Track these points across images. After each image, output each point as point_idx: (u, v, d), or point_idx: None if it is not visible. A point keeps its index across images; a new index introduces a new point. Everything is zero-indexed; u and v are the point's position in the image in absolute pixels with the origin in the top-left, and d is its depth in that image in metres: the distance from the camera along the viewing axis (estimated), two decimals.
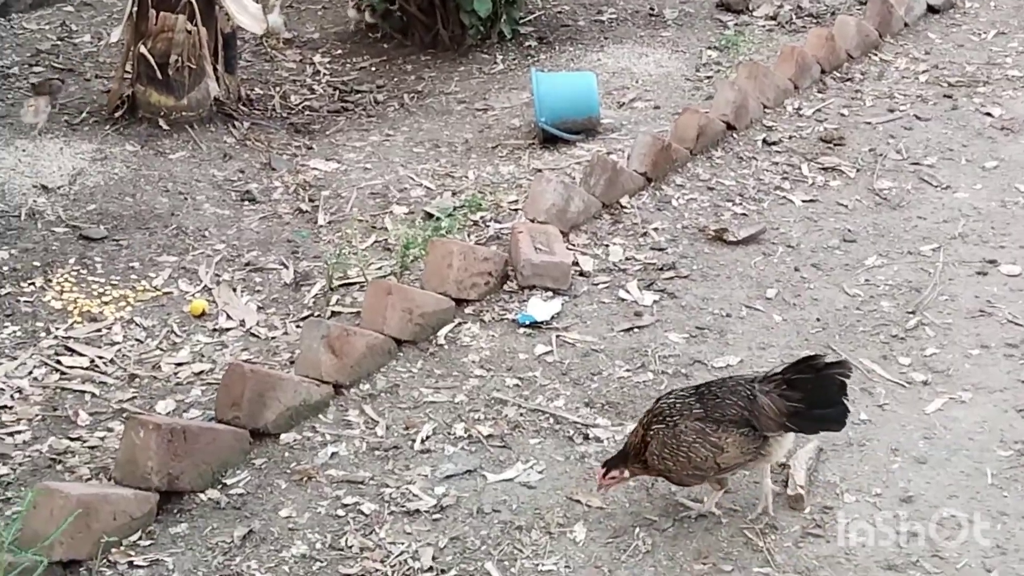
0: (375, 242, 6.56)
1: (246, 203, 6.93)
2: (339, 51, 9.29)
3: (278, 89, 8.50)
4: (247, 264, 6.32)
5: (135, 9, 7.44)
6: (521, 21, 9.50)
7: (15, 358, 5.45)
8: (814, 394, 4.35)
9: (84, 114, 7.68)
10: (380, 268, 6.25)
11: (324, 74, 8.88)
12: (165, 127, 7.53)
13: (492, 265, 5.95)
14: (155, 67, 7.39)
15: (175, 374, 5.44)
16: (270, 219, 6.79)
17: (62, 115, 7.70)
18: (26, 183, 6.82)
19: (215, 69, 7.62)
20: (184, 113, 7.55)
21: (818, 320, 5.78)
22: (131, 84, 7.61)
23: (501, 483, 4.75)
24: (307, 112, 8.26)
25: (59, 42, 8.98)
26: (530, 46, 9.31)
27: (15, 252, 6.21)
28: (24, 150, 7.12)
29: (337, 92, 8.60)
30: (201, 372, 5.45)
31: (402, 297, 5.56)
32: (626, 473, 4.43)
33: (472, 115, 8.18)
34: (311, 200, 7.00)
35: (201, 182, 7.07)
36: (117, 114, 7.59)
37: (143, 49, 7.40)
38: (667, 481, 4.55)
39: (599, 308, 5.90)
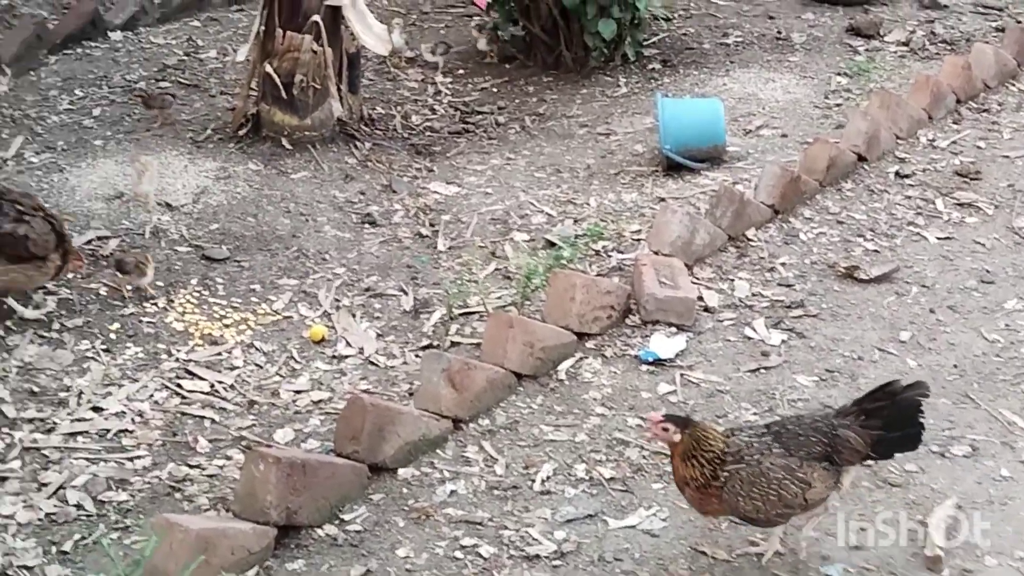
0: (495, 270, 6.47)
1: (366, 226, 6.89)
2: (461, 71, 9.23)
3: (399, 109, 8.46)
4: (367, 289, 6.26)
5: (262, 28, 7.46)
6: (645, 43, 9.36)
7: (136, 380, 5.45)
8: (893, 420, 4.27)
9: (208, 131, 7.71)
10: (500, 297, 6.16)
11: (445, 94, 8.82)
12: (288, 146, 7.53)
13: (615, 299, 5.82)
14: (280, 86, 7.40)
15: (294, 402, 5.40)
16: (390, 243, 6.73)
17: (187, 131, 7.74)
18: (151, 199, 6.85)
19: (339, 89, 7.61)
20: (307, 133, 7.54)
21: (955, 367, 5.55)
22: (256, 103, 7.62)
23: (623, 530, 4.61)
24: (428, 133, 8.20)
25: (185, 57, 9.05)
26: (654, 69, 9.16)
27: None
28: None
29: (458, 113, 8.54)
30: (320, 401, 5.40)
31: (523, 330, 5.46)
32: (677, 438, 4.24)
33: (594, 139, 8.06)
34: (431, 224, 6.93)
35: (322, 203, 7.05)
36: (241, 132, 7.61)
37: (269, 68, 7.40)
38: (742, 521, 4.35)
39: (724, 346, 5.73)
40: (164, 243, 6.50)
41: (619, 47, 9.09)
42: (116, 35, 9.28)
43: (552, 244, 6.66)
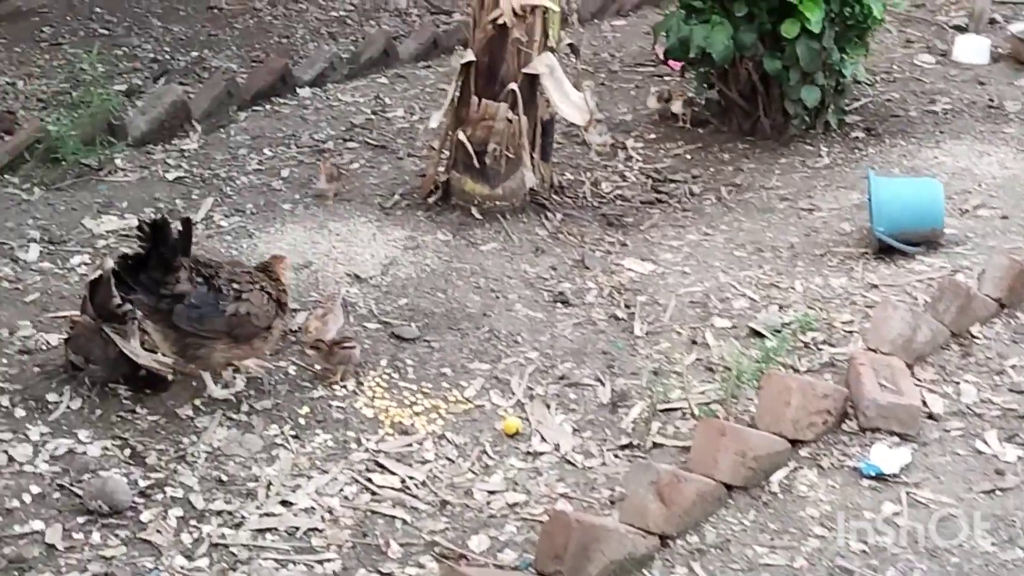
0: (696, 360, 6.10)
1: (559, 305, 6.59)
2: (652, 135, 8.90)
3: (589, 175, 8.16)
4: (561, 377, 5.95)
5: (457, 95, 7.24)
6: (847, 110, 8.90)
7: (326, 471, 5.22)
8: None
9: (396, 196, 7.53)
10: (704, 392, 5.78)
11: (636, 160, 8.50)
12: (477, 216, 7.29)
13: (831, 403, 5.39)
14: (472, 155, 7.17)
15: (488, 504, 5.10)
16: (584, 325, 6.41)
17: (375, 196, 7.57)
18: (339, 271, 6.67)
19: (531, 158, 7.34)
20: (498, 203, 7.30)
21: None
22: (447, 170, 7.41)
23: None
24: (619, 202, 7.88)
25: (372, 116, 8.92)
26: (857, 138, 8.70)
27: None
28: (338, 234, 6.98)
29: (650, 181, 8.20)
30: (515, 504, 5.09)
31: (736, 438, 5.07)
32: None
33: (796, 215, 7.63)
34: (627, 306, 6.59)
35: (513, 279, 6.78)
36: (431, 199, 7.41)
37: (462, 136, 7.18)
38: None
39: (953, 461, 5.25)
40: (353, 318, 6.29)
41: (821, 114, 8.66)
42: (304, 91, 9.21)
43: (757, 333, 6.26)
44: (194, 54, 10.10)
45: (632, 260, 7.09)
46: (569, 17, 7.76)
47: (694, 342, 6.27)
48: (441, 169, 7.44)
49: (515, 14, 6.95)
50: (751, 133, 8.77)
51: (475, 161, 7.19)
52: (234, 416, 5.50)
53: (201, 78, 9.54)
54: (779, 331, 6.20)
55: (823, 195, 7.84)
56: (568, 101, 7.24)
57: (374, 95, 9.28)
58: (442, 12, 11.47)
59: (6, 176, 7.57)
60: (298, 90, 9.19)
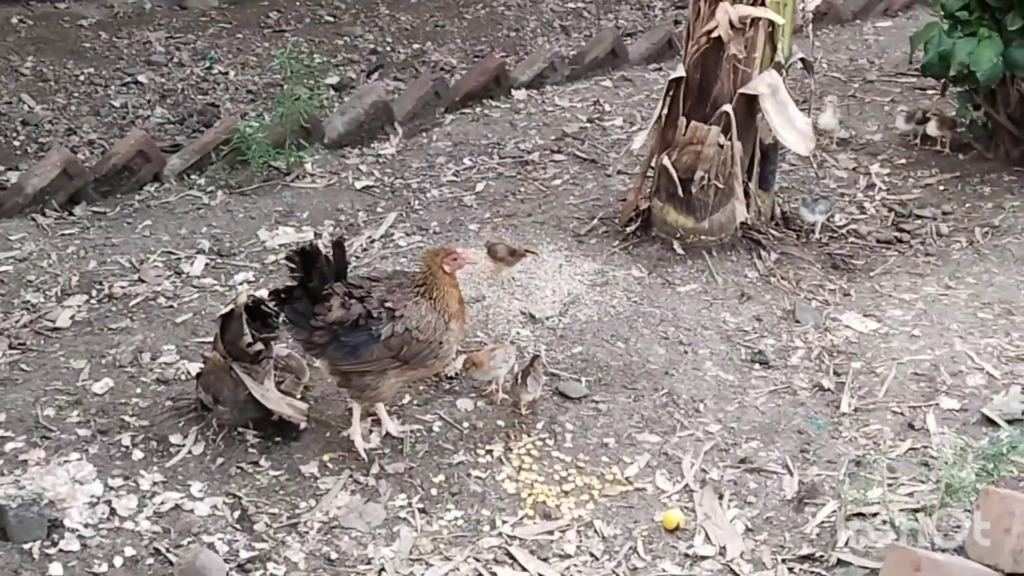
0: (909, 451, 5.13)
1: (756, 366, 5.72)
2: (902, 160, 7.82)
3: None
4: (742, 460, 5.10)
5: (664, 114, 6.43)
6: None
7: (449, 558, 4.58)
8: None
9: (594, 222, 6.79)
10: (911, 494, 4.82)
11: (879, 189, 7.46)
12: (679, 251, 6.48)
13: None
14: (677, 182, 6.35)
15: None
16: (781, 394, 5.53)
17: (571, 219, 6.86)
18: (514, 307, 6.01)
19: (746, 188, 6.46)
20: (702, 237, 6.46)
21: None
22: (648, 198, 6.61)
23: None
24: (852, 239, 6.89)
25: (588, 124, 8.19)
26: None
27: (482, 405, 5.37)
28: (520, 264, 6.27)
29: (892, 215, 7.16)
30: None
31: (934, 570, 4.12)
32: None
33: None
34: (836, 373, 5.66)
35: (708, 329, 5.94)
36: (629, 228, 6.63)
37: (666, 160, 6.37)
38: None
39: None
40: (517, 366, 5.61)
41: None
42: (520, 93, 8.58)
43: (990, 421, 5.23)
44: (416, 46, 9.63)
45: (852, 315, 6.12)
46: (803, 28, 6.79)
47: (911, 426, 5.29)
48: (643, 196, 6.64)
49: (732, 26, 6.08)
50: (1019, 163, 7.57)
51: (679, 190, 6.37)
52: (361, 479, 4.92)
53: (418, 72, 9.04)
54: (1019, 419, 5.16)
55: None
56: (791, 127, 6.30)
57: (594, 100, 8.54)
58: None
59: (192, 176, 7.26)
60: (513, 92, 8.56)
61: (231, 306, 5.06)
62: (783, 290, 6.31)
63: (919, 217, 7.14)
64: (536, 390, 5.24)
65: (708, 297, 6.20)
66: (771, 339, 5.91)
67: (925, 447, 5.15)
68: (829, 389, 5.56)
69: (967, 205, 7.24)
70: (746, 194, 6.50)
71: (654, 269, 6.39)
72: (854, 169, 7.71)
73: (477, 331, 5.86)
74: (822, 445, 5.19)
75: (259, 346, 5.04)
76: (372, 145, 7.80)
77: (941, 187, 7.47)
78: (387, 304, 4.89)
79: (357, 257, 6.49)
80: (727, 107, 6.22)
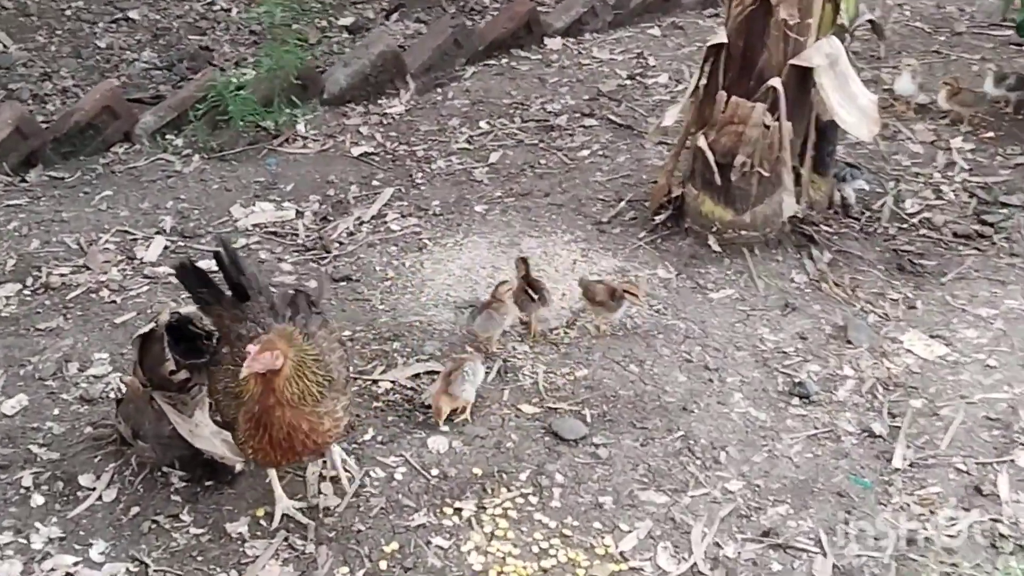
0: (975, 524, 4.16)
1: (794, 400, 4.76)
2: (990, 132, 6.70)
3: (892, 186, 6.14)
4: (765, 533, 4.17)
5: (702, 85, 5.42)
6: None
7: None
8: None
9: (620, 207, 5.83)
10: None
11: (960, 168, 6.38)
12: (715, 248, 5.52)
13: None
14: (714, 167, 5.35)
15: None
16: (822, 440, 4.57)
17: (594, 201, 5.91)
18: (512, 314, 5.08)
19: (797, 177, 5.45)
20: (743, 232, 5.48)
21: None
22: (681, 183, 5.62)
23: None
24: (924, 232, 5.85)
25: (628, 81, 7.18)
26: None
27: (458, 445, 4.48)
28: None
29: (973, 201, 6.10)
30: None
31: None
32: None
33: None
34: (892, 415, 4.69)
35: (742, 350, 4.99)
36: (658, 218, 5.67)
37: (702, 142, 5.37)
38: None
39: None
40: (508, 394, 4.72)
41: None
42: (554, 42, 7.57)
43: None
44: None
45: (916, 336, 5.12)
46: None
47: (978, 490, 4.33)
48: (676, 181, 5.65)
49: None
50: None
51: (717, 176, 5.38)
52: (298, 544, 4.07)
53: (444, 12, 8.04)
54: None
55: None
56: (852, 106, 5.26)
57: (637, 52, 7.51)
58: None
59: (167, 137, 6.40)
60: (545, 40, 7.55)
61: (151, 325, 4.20)
62: (835, 299, 5.32)
63: (1005, 205, 6.07)
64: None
65: (745, 307, 5.24)
66: (815, 365, 4.94)
67: (993, 523, 4.18)
68: (880, 436, 4.59)
69: None
70: (797, 181, 5.49)
71: (684, 269, 5.43)
72: (932, 143, 6.63)
73: (466, 345, 4.96)
74: (866, 513, 4.24)
75: (183, 374, 4.19)
76: (379, 102, 6.89)
77: None
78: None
79: (340, 243, 5.61)
80: (775, 81, 5.19)
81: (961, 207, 6.07)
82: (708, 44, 5.36)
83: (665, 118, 5.63)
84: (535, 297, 4.92)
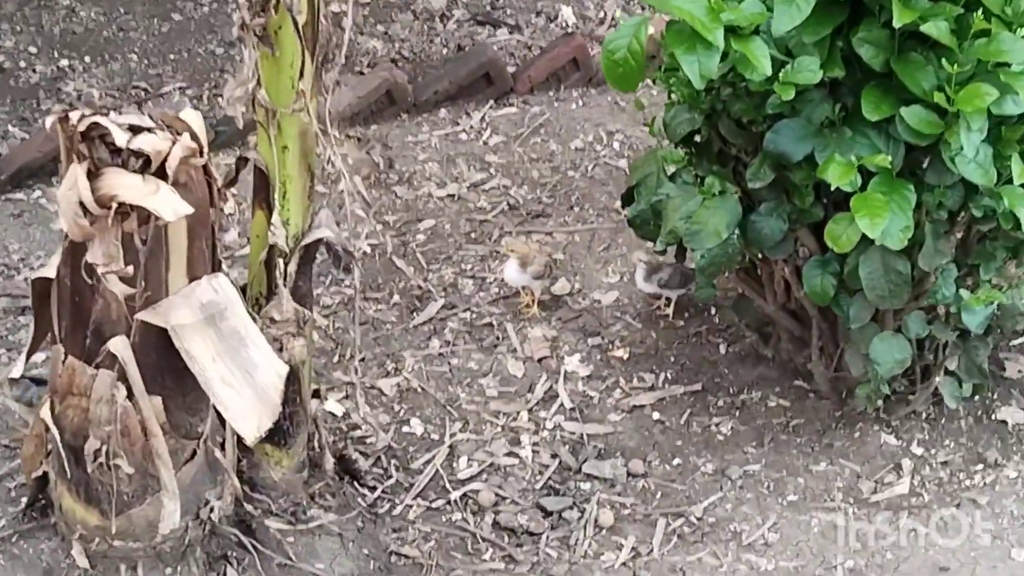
0: None
1: None
2: (639, 343, 4.88)
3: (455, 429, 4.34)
4: None
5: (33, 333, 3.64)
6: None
7: None
8: None
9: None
10: None
11: (556, 416, 4.56)
12: (80, 562, 3.73)
13: None
14: (61, 451, 3.62)
15: None
16: None
17: None
18: None
19: (212, 459, 3.67)
20: (117, 543, 3.70)
21: None
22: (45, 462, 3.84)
23: None
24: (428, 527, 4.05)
25: None
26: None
27: None
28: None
29: (546, 473, 4.28)
30: None
31: None
32: None
33: None
34: None
35: None
36: (24, 502, 3.91)
37: (46, 413, 3.61)
38: None
39: None
40: None
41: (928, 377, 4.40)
42: None
43: None
44: None
45: None
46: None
47: None
48: (43, 453, 3.87)
49: (84, 211, 3.22)
50: (805, 376, 4.64)
51: (67, 465, 3.61)
52: None
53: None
54: None
55: None
56: (246, 384, 3.45)
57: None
58: None
59: None
60: None
61: None
62: None
63: (591, 478, 4.27)
64: None
65: None
66: None
67: None
68: None
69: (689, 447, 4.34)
70: (212, 467, 3.70)
71: None
72: (541, 361, 4.81)
73: None
74: None
75: None
76: None
77: (655, 415, 4.58)
78: None
79: None
80: (117, 343, 3.40)
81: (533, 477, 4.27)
82: (33, 277, 3.59)
83: (14, 368, 3.83)
84: None
